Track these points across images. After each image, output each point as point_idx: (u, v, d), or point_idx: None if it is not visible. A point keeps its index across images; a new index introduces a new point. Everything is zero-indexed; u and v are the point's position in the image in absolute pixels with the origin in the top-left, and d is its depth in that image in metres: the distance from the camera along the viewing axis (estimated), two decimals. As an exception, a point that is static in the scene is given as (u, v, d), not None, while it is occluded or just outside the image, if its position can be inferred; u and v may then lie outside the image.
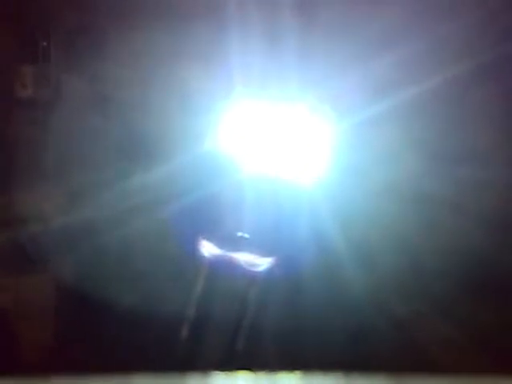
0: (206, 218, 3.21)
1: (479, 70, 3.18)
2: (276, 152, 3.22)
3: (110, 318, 3.11)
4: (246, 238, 3.19)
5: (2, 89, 3.38)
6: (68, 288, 3.23)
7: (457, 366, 3.02)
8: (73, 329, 3.22)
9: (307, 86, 3.19)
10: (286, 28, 3.17)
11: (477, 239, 3.15)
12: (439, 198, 3.18)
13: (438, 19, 3.19)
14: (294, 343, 3.09)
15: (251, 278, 3.17)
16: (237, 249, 3.20)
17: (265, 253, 3.19)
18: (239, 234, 3.19)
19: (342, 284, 3.13)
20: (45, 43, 3.37)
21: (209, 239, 3.20)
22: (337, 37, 3.18)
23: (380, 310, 3.14)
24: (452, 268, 3.16)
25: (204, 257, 3.19)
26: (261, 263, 3.19)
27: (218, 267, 3.18)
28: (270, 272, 3.18)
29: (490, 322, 3.15)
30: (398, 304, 3.16)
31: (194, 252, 3.19)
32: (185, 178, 3.16)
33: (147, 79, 3.28)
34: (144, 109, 3.27)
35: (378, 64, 3.14)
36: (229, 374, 2.64)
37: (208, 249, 3.20)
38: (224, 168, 3.20)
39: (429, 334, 3.17)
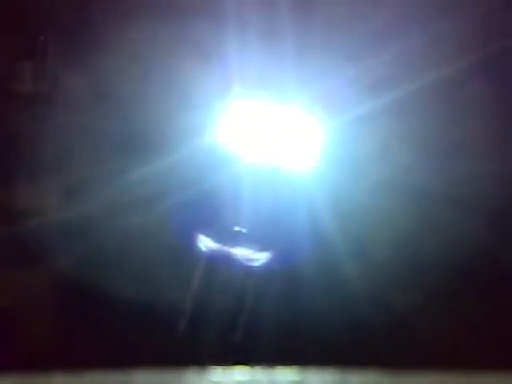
0: (203, 212, 3.21)
1: (473, 67, 3.18)
2: (273, 147, 3.22)
3: (110, 313, 3.11)
4: (244, 233, 3.20)
5: (-1, 84, 3.38)
6: (68, 283, 3.23)
7: (455, 361, 3.02)
8: (73, 324, 3.23)
9: (303, 81, 3.19)
10: (284, 26, 3.18)
11: (473, 232, 3.16)
12: (436, 191, 3.19)
13: (430, 17, 3.20)
14: (292, 338, 3.09)
15: (249, 272, 3.18)
16: (234, 243, 3.20)
17: (262, 247, 3.20)
18: (237, 228, 3.20)
19: (339, 278, 3.14)
20: (42, 37, 3.36)
21: (206, 234, 3.21)
22: (333, 34, 3.18)
23: (378, 304, 3.14)
24: (448, 261, 3.16)
25: (201, 251, 3.20)
26: (258, 258, 3.20)
27: (215, 262, 3.18)
28: (267, 267, 3.18)
29: (489, 316, 3.15)
30: (396, 298, 3.16)
31: (191, 246, 3.19)
32: (182, 173, 3.16)
33: (146, 74, 3.28)
34: (142, 103, 3.27)
35: (375, 61, 3.15)
36: (226, 368, 2.64)
37: (205, 243, 3.21)
38: (221, 163, 3.21)
39: (427, 329, 3.17)
